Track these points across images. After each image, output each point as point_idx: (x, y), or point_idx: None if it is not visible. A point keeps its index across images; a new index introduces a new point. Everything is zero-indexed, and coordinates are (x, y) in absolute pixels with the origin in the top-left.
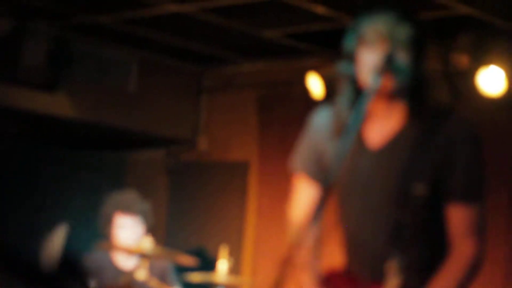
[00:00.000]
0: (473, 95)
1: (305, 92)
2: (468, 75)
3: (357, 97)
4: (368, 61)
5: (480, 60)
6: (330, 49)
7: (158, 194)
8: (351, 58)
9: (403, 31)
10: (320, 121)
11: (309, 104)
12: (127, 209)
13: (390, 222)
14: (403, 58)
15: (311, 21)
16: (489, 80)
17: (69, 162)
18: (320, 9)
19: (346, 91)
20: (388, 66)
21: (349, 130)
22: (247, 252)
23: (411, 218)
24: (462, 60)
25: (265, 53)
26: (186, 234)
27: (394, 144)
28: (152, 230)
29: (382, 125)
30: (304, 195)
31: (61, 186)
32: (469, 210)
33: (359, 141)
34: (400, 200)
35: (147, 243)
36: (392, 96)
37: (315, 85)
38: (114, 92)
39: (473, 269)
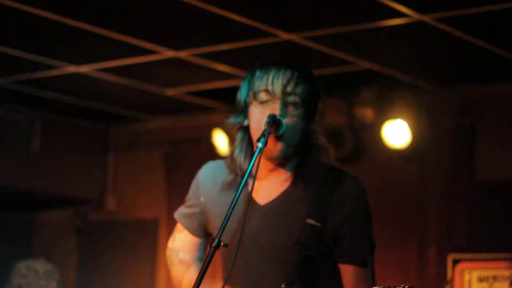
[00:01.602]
0: (379, 147)
1: (211, 148)
2: (373, 128)
3: (250, 148)
4: (258, 118)
5: (384, 113)
6: (234, 105)
7: (66, 253)
8: (243, 111)
9: (295, 91)
10: (206, 176)
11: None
12: None
13: (281, 276)
14: (292, 118)
15: (213, 79)
16: (394, 133)
17: None
18: (221, 67)
19: (239, 142)
20: (273, 126)
21: (240, 182)
22: None
23: (297, 273)
24: (366, 113)
25: (170, 110)
26: None
27: (282, 200)
28: None
29: (271, 182)
30: (181, 239)
31: None
32: (358, 270)
33: (249, 198)
34: (288, 256)
35: None
36: (280, 157)
37: (221, 141)
38: (17, 152)
39: None
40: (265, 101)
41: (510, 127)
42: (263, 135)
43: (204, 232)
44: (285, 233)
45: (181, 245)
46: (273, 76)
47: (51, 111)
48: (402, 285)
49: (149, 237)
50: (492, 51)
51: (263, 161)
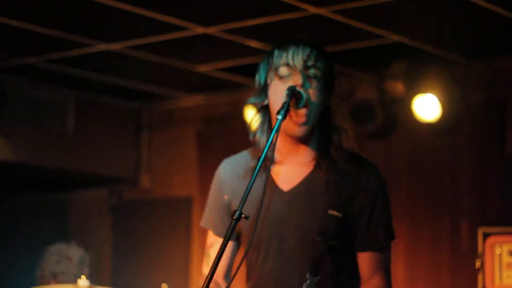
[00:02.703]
0: (410, 121)
1: (243, 125)
2: (404, 102)
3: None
4: (279, 93)
5: (414, 87)
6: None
7: (101, 233)
8: (263, 90)
9: (316, 65)
10: (227, 171)
11: (248, 137)
12: (63, 279)
13: (305, 263)
14: (314, 90)
15: (244, 54)
16: (424, 106)
17: (9, 205)
18: (252, 43)
19: (260, 124)
20: (293, 98)
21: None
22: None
23: (324, 258)
24: (396, 87)
25: (202, 88)
26: (131, 272)
27: (305, 186)
28: (97, 269)
29: (293, 165)
30: (215, 252)
31: (3, 229)
32: (377, 256)
33: (271, 182)
34: (311, 245)
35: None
36: (301, 132)
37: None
38: (52, 133)
39: None
40: (287, 75)
41: None
42: (282, 107)
43: (236, 235)
44: (308, 223)
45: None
46: (293, 52)
47: (84, 90)
48: None
49: (183, 215)
50: None
51: (283, 140)
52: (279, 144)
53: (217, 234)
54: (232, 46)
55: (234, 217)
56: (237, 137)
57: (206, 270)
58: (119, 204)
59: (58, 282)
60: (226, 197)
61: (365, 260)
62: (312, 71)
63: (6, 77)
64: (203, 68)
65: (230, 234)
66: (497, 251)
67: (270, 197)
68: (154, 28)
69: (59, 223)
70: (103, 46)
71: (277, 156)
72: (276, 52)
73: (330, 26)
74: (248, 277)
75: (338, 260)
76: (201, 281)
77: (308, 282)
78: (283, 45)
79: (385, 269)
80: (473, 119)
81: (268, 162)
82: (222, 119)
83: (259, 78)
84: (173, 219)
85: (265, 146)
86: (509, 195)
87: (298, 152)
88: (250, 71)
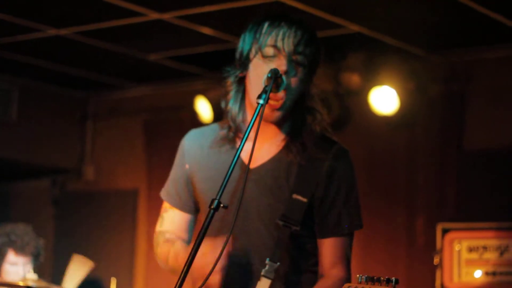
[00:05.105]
0: (366, 114)
1: (193, 115)
2: (360, 94)
3: (244, 101)
4: (260, 72)
5: (371, 79)
6: (217, 72)
7: (43, 224)
8: (244, 63)
9: (305, 52)
10: (192, 142)
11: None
12: (22, 250)
13: (266, 247)
14: (295, 78)
15: (197, 43)
16: (382, 99)
17: None
18: (206, 30)
19: (234, 94)
20: (275, 81)
21: (233, 136)
22: (138, 281)
23: (286, 244)
24: (353, 79)
25: (151, 77)
26: None
27: (273, 165)
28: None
29: (263, 144)
30: (169, 219)
31: None
32: (338, 243)
33: (238, 160)
34: (273, 230)
35: (32, 277)
36: (273, 121)
37: (203, 108)
38: None
39: None
40: (272, 56)
41: (499, 93)
42: (264, 91)
43: (193, 206)
44: (272, 205)
45: (169, 226)
46: (284, 33)
47: (29, 77)
48: (387, 277)
49: (129, 208)
50: (481, 14)
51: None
52: (249, 119)
53: (173, 205)
54: (186, 34)
55: (212, 207)
56: (187, 128)
57: (158, 228)
58: (62, 196)
59: (16, 252)
60: (187, 166)
61: (326, 247)
62: (300, 58)
63: None
64: (153, 57)
65: (208, 224)
66: (456, 247)
67: (236, 174)
68: (107, 13)
69: (0, 213)
70: (52, 32)
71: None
72: (265, 26)
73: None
74: None
75: (299, 247)
76: (154, 237)
77: (267, 267)
78: (274, 21)
79: (346, 259)
80: (431, 113)
81: (238, 139)
82: (171, 110)
83: (242, 48)
84: (118, 212)
85: (238, 120)
86: (467, 190)
87: (268, 130)
88: (203, 60)
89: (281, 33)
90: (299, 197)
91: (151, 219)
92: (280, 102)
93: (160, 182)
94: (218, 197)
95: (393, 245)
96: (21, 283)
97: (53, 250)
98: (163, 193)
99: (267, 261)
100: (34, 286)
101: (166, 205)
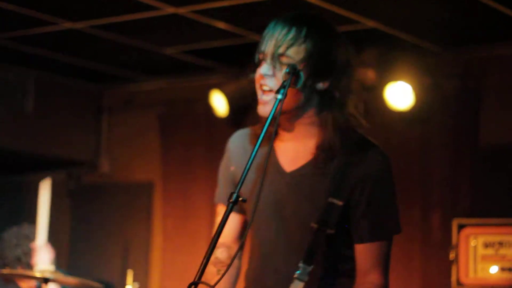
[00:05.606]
0: (381, 110)
1: (208, 109)
2: (375, 90)
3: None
4: (256, 76)
5: (386, 74)
6: (232, 66)
7: (59, 217)
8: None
9: (286, 53)
10: (236, 143)
11: (212, 121)
12: (28, 259)
13: (301, 250)
14: (303, 73)
15: (213, 37)
16: (396, 95)
17: None
18: (221, 25)
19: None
20: (294, 77)
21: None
22: (154, 274)
23: (321, 248)
24: (368, 74)
25: (166, 71)
26: (90, 258)
27: (308, 170)
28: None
29: (298, 144)
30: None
31: None
32: (376, 246)
33: (274, 161)
34: (308, 233)
35: (50, 269)
36: (300, 114)
37: (218, 102)
38: (10, 113)
39: None
40: (260, 60)
41: None
42: (283, 86)
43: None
44: (308, 209)
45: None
46: (269, 36)
47: (44, 70)
48: None
49: (144, 200)
50: (497, 11)
51: (286, 123)
52: (282, 121)
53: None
54: (201, 28)
55: (231, 200)
56: (201, 122)
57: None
58: (78, 188)
59: (23, 264)
60: (232, 168)
61: (362, 253)
62: (284, 60)
63: None
64: (169, 51)
65: (227, 217)
66: (472, 243)
67: (271, 176)
68: (123, 7)
69: (16, 206)
70: (67, 25)
71: (281, 133)
72: (265, 33)
73: (303, 9)
74: (250, 253)
75: (335, 251)
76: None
77: (300, 271)
78: (271, 24)
79: (382, 265)
80: (446, 108)
81: (270, 138)
82: (186, 103)
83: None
84: (134, 205)
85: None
86: (483, 186)
87: (301, 132)
88: (218, 54)
89: (266, 36)
90: (335, 201)
91: (166, 211)
92: (265, 104)
93: (175, 174)
94: (237, 190)
95: (408, 241)
96: (38, 275)
97: (69, 242)
98: (215, 198)
99: (300, 264)
100: (51, 277)
101: (219, 208)
